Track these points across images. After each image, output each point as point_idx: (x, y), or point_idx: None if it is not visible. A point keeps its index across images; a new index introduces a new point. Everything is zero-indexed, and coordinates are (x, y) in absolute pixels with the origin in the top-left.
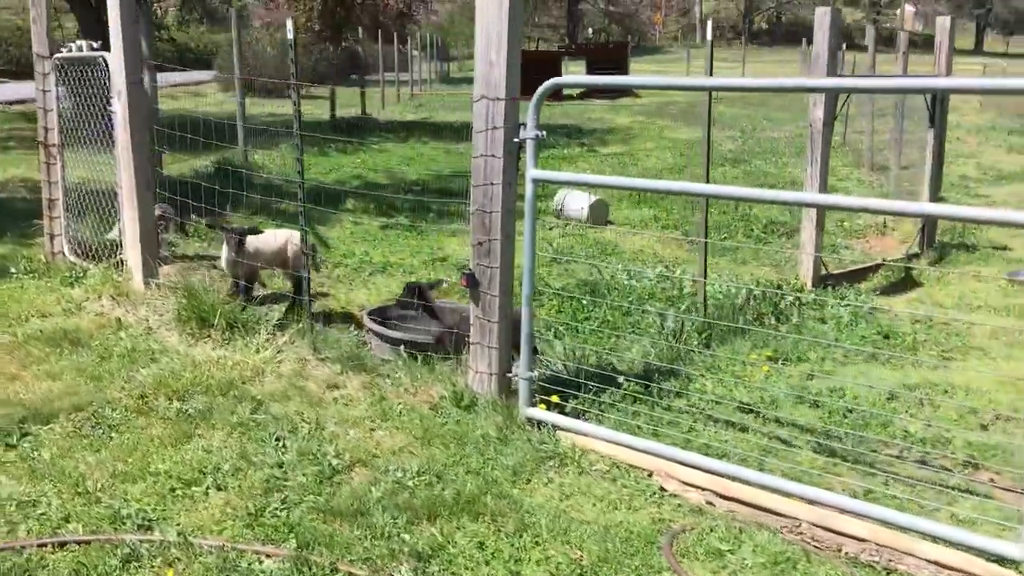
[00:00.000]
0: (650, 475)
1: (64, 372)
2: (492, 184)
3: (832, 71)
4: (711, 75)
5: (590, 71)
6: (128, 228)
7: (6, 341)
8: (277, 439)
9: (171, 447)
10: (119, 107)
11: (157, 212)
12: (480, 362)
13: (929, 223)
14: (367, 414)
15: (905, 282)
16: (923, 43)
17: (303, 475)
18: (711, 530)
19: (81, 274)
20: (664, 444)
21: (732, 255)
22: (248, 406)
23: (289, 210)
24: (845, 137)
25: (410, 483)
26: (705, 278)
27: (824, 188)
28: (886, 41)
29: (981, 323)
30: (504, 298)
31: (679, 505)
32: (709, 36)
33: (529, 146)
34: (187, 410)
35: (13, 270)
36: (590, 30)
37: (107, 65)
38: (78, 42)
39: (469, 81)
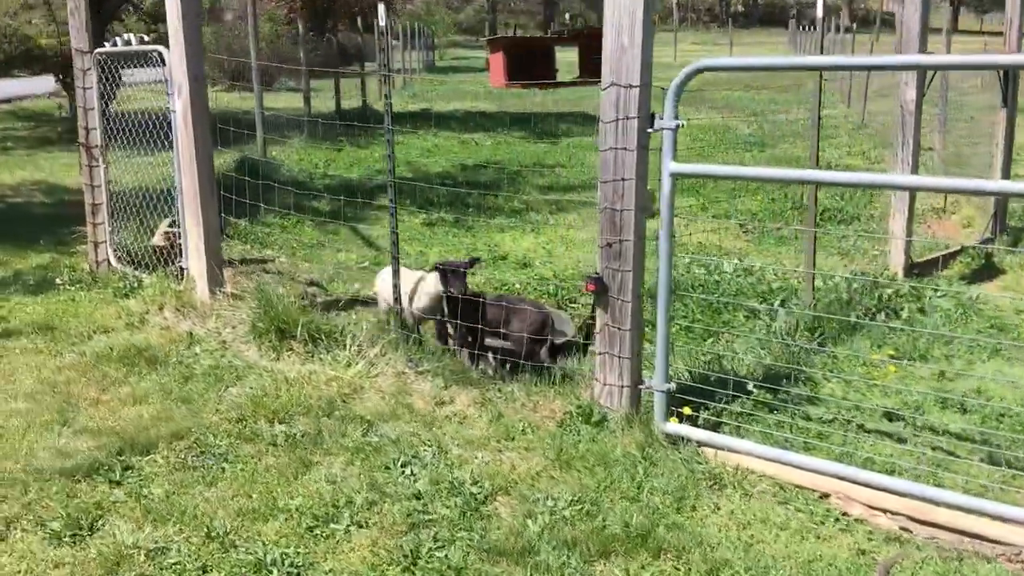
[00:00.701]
0: (824, 497)
1: (149, 395)
2: (624, 180)
3: (922, 48)
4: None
5: (583, 59)
6: (192, 234)
7: (76, 361)
8: (403, 465)
9: (292, 478)
10: (179, 104)
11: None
12: (609, 374)
13: (1001, 207)
14: (488, 434)
15: (989, 269)
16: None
17: (445, 507)
18: (923, 562)
19: (135, 284)
20: (836, 463)
21: (792, 244)
22: (358, 428)
23: (323, 208)
24: (864, 119)
25: (566, 513)
26: (814, 269)
27: (915, 171)
28: (862, 22)
29: None
30: (636, 304)
31: (871, 532)
32: (675, 20)
33: (667, 137)
34: (294, 434)
35: (59, 281)
36: (567, 15)
37: (163, 60)
38: (125, 36)
39: (455, 70)
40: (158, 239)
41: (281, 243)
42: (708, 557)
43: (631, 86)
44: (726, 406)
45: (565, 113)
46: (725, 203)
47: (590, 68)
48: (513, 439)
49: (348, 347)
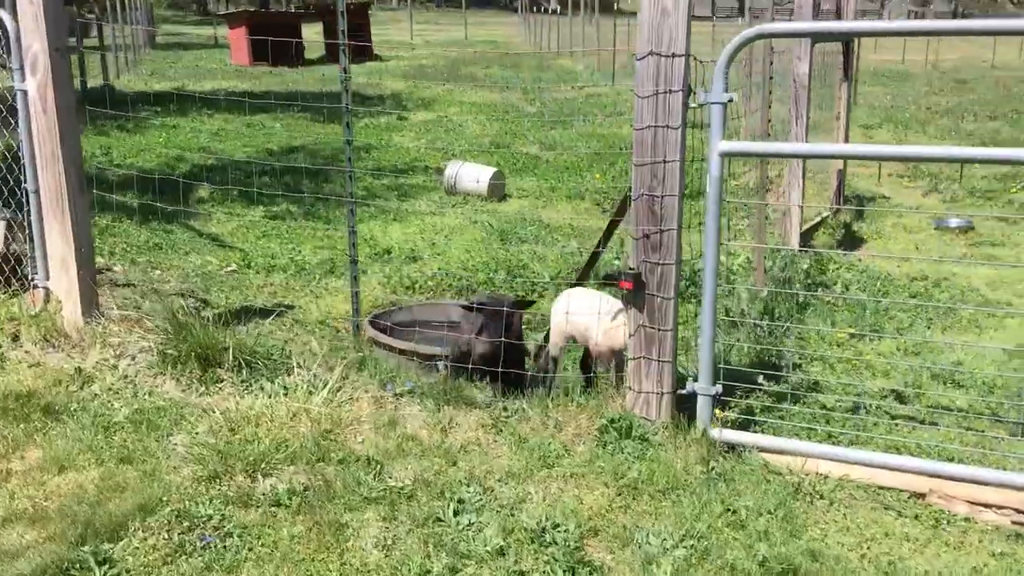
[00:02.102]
0: (920, 497)
1: (72, 457)
2: (666, 162)
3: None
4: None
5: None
6: (55, 244)
7: None
8: (455, 514)
9: (332, 550)
10: (33, 84)
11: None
12: (646, 380)
13: (841, 179)
14: (521, 463)
15: (851, 238)
16: None
17: (544, 563)
18: None
19: None
20: (925, 460)
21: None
22: (368, 472)
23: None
24: None
25: (680, 554)
26: (766, 244)
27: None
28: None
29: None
30: (677, 301)
31: (989, 532)
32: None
33: (716, 112)
34: (295, 490)
35: None
36: None
37: (3, 27)
38: None
39: (182, 46)
40: None
41: (108, 248)
42: None
43: (674, 55)
44: (743, 401)
45: (338, 92)
46: (566, 181)
47: (334, 47)
48: (552, 466)
49: (296, 373)
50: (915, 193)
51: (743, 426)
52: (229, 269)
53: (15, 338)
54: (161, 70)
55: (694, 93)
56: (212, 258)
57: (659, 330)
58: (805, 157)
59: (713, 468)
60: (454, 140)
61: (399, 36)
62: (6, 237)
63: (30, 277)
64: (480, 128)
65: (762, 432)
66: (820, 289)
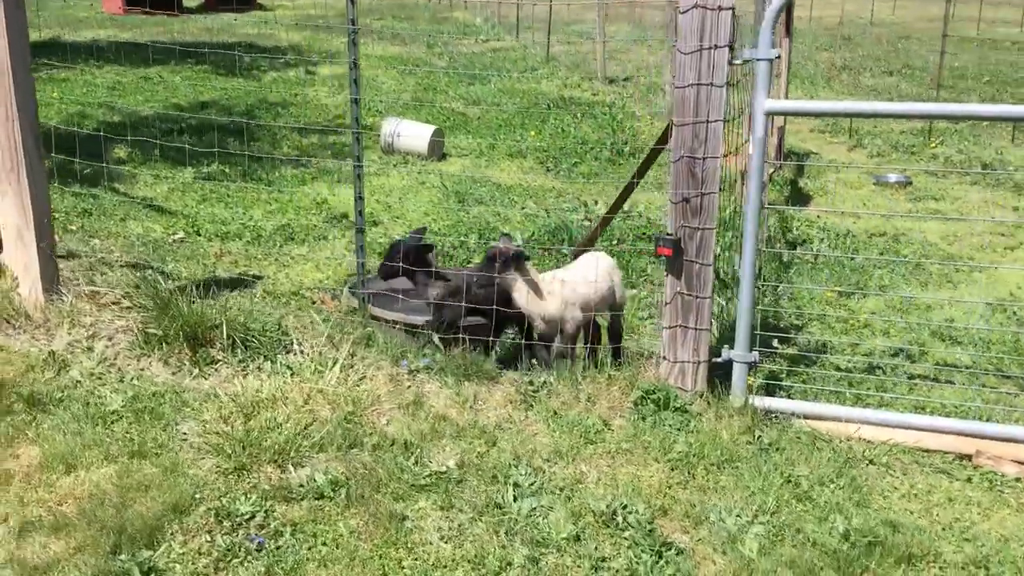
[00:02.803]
0: (967, 459)
1: (76, 453)
2: (708, 122)
3: None
4: None
5: None
6: (10, 214)
7: None
8: (514, 499)
9: (397, 545)
10: None
11: None
12: (681, 349)
13: (781, 134)
14: (562, 440)
15: (800, 195)
16: None
17: (627, 548)
18: None
19: None
20: (969, 421)
21: (607, 180)
22: (407, 457)
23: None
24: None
25: (760, 531)
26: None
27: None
28: None
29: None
30: (714, 267)
31: None
32: None
33: (762, 70)
34: (337, 480)
35: None
36: None
37: None
38: None
39: None
40: None
41: None
42: (951, 554)
43: (721, 8)
44: (764, 366)
45: (232, 43)
46: (502, 139)
47: None
48: (595, 443)
49: (296, 350)
50: (841, 148)
51: (769, 392)
52: (177, 237)
53: None
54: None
55: (733, 49)
56: (154, 225)
57: (697, 297)
58: (858, 116)
59: (760, 438)
60: (372, 96)
61: None
62: None
63: None
64: (395, 83)
65: (789, 397)
66: (796, 248)
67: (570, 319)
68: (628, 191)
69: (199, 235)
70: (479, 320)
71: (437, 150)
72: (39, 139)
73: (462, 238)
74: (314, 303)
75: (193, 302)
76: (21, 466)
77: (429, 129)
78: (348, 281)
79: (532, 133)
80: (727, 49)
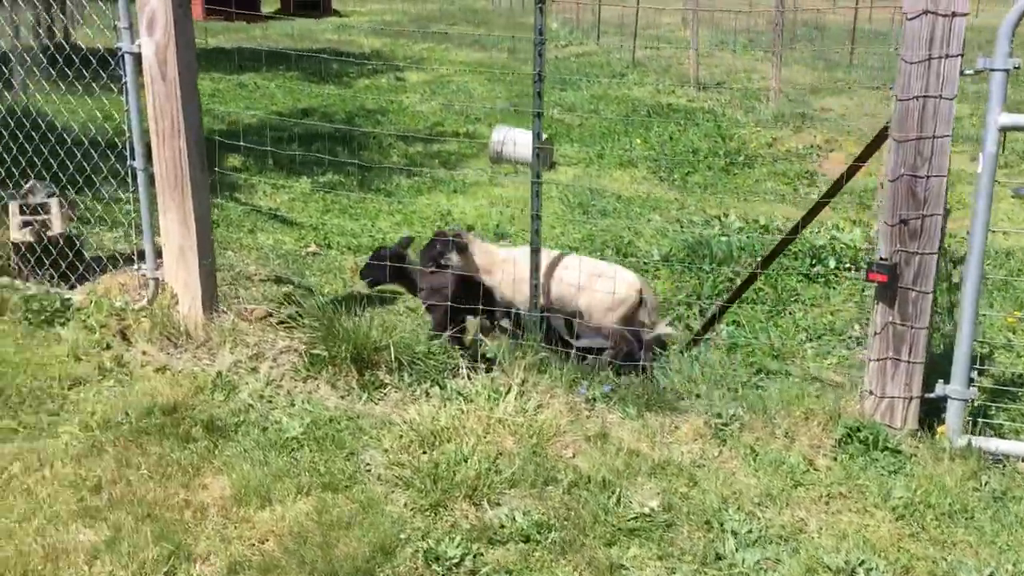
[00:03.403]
0: None
1: (266, 485)
2: (935, 138)
3: None
4: None
5: None
6: (172, 230)
7: (88, 443)
8: (736, 548)
9: None
10: (150, 46)
11: (42, 195)
12: (891, 384)
13: None
14: (770, 483)
15: None
16: None
17: None
18: None
19: (48, 305)
20: None
21: (716, 188)
22: (606, 497)
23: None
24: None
25: None
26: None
27: None
28: None
29: None
30: (933, 296)
31: None
32: None
33: (998, 81)
34: (541, 521)
35: None
36: None
37: None
38: None
39: None
40: (18, 232)
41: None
42: None
43: (954, 14)
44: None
45: (317, 49)
46: (608, 148)
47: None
48: (803, 484)
49: (465, 374)
50: (963, 158)
51: (975, 431)
52: (310, 250)
53: (125, 337)
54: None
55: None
56: (284, 237)
57: (912, 328)
58: None
59: (987, 484)
60: (466, 103)
61: None
62: (35, 223)
63: (138, 267)
64: (486, 90)
65: (1000, 436)
66: (955, 266)
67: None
68: (817, 209)
69: (330, 248)
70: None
71: (547, 159)
72: (204, 156)
73: (598, 253)
74: None
75: (357, 322)
76: (213, 498)
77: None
78: None
79: (638, 141)
80: (958, 59)
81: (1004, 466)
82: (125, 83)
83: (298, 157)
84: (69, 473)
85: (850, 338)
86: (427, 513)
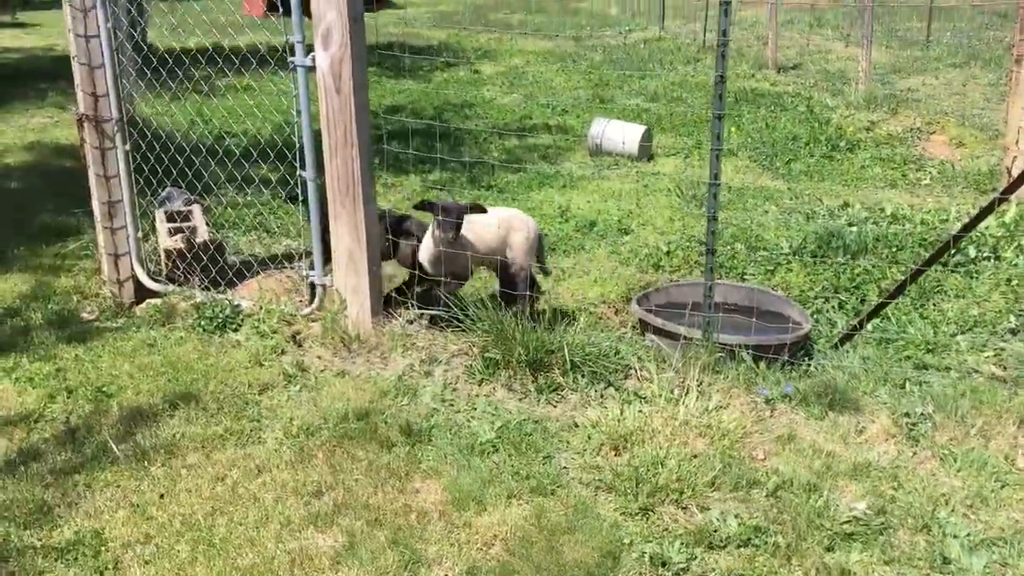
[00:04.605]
0: None
1: (477, 489)
2: None
3: None
4: None
5: None
6: (343, 237)
7: (296, 449)
8: (963, 553)
9: None
10: (325, 59)
11: (179, 202)
12: None
13: None
14: (971, 483)
15: None
16: None
17: None
18: None
19: (216, 311)
20: None
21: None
22: (813, 501)
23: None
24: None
25: None
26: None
27: None
28: None
29: None
30: None
31: None
32: None
33: None
34: (758, 526)
35: (86, 316)
36: None
37: None
38: None
39: None
40: (170, 239)
41: (268, 226)
42: None
43: None
44: None
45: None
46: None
47: None
48: (1010, 485)
49: (638, 376)
50: None
51: None
52: None
53: (297, 342)
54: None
55: None
56: None
57: None
58: None
59: None
60: (548, 94)
61: None
62: (187, 231)
63: (305, 275)
64: (563, 79)
65: None
66: None
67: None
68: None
69: None
70: None
71: (645, 151)
72: (373, 164)
73: (728, 247)
74: (600, 318)
75: (529, 326)
76: (432, 503)
77: (639, 130)
78: (636, 295)
79: (733, 129)
80: None
81: None
82: (296, 95)
83: (404, 156)
84: (288, 479)
85: (1007, 330)
86: (638, 517)
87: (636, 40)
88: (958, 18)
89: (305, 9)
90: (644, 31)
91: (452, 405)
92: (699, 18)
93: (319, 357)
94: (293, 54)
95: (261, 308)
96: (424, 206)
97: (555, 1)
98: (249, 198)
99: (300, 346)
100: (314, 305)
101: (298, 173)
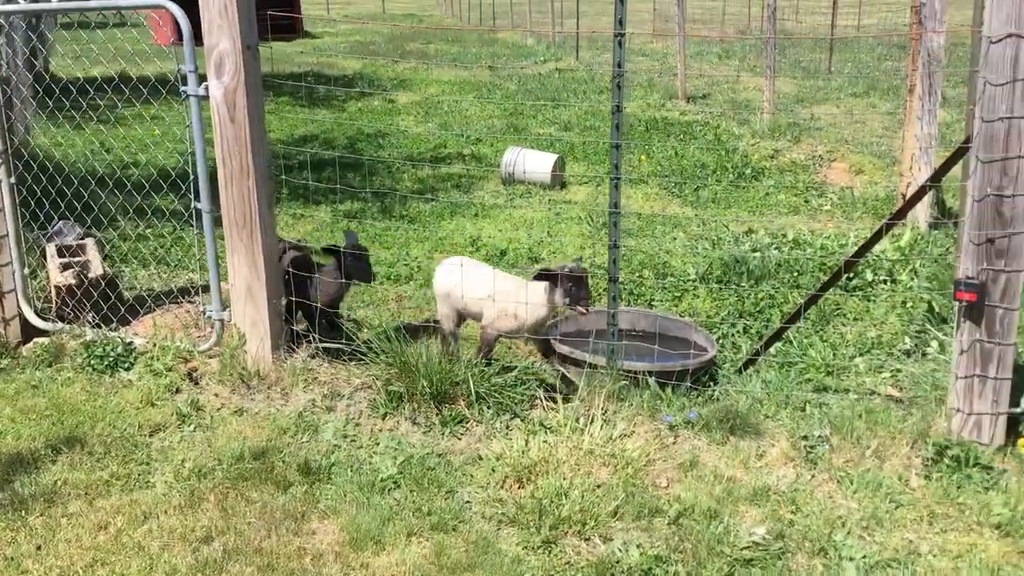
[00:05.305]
0: None
1: (375, 527)
2: (1020, 158)
3: None
4: None
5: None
6: (240, 271)
7: (187, 493)
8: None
9: None
10: (218, 89)
11: (71, 236)
12: (979, 400)
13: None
14: (867, 504)
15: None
16: None
17: None
18: None
19: (106, 350)
20: None
21: (724, 202)
22: (713, 527)
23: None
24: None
25: None
26: None
27: None
28: None
29: None
30: (1020, 312)
31: None
32: None
33: None
34: (660, 555)
35: None
36: None
37: (176, 23)
38: None
39: (82, 24)
40: (60, 275)
41: (167, 259)
42: None
43: None
44: None
45: (299, 73)
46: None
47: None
48: (903, 505)
49: (544, 405)
50: None
51: None
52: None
53: (193, 379)
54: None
55: None
56: None
57: (999, 344)
58: None
59: None
60: (463, 123)
61: (313, 10)
62: (75, 265)
63: (203, 310)
64: (478, 109)
65: None
66: None
67: None
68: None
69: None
70: None
71: (558, 179)
72: (272, 194)
73: (636, 274)
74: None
75: (431, 355)
76: (328, 544)
77: (551, 158)
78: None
79: (642, 157)
80: None
81: None
82: (189, 126)
83: (322, 186)
84: (176, 524)
85: (902, 352)
86: (540, 551)
87: (551, 70)
88: (858, 49)
89: (199, 38)
90: (559, 61)
91: (354, 441)
92: (612, 49)
93: (216, 395)
94: (186, 83)
95: (156, 345)
96: (543, 276)
97: (472, 31)
98: (149, 230)
99: (197, 384)
100: (212, 341)
101: (193, 204)
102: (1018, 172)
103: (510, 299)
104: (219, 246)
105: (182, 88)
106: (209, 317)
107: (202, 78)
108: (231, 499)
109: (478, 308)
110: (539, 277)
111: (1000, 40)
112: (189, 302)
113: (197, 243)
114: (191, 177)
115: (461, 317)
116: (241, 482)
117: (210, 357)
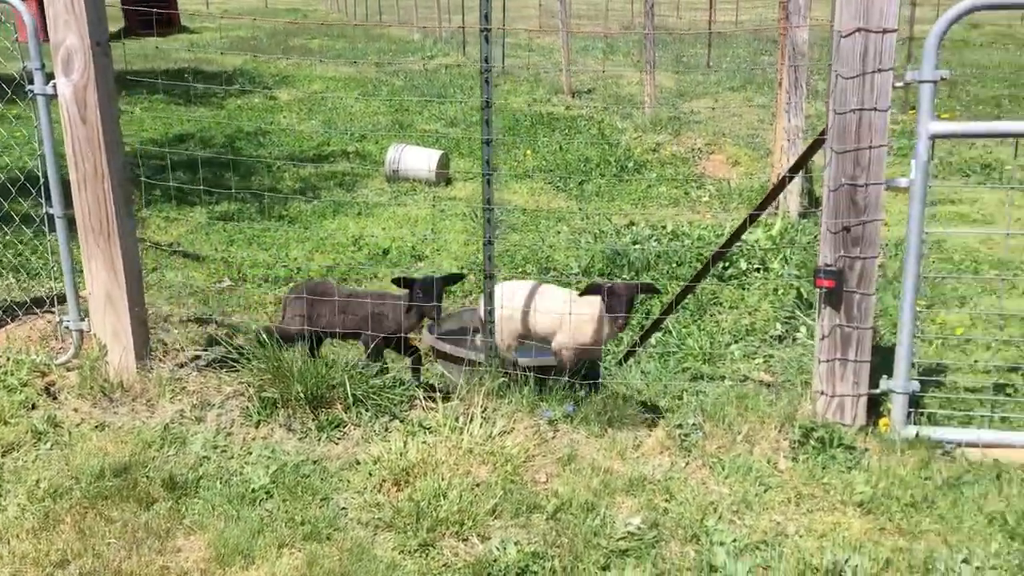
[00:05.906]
0: None
1: (245, 541)
2: (871, 148)
3: None
4: None
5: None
6: (99, 279)
7: (41, 516)
8: (730, 557)
9: None
10: (67, 87)
11: None
12: (841, 383)
13: None
14: (738, 489)
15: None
16: None
17: None
18: None
19: None
20: None
21: (617, 194)
22: (591, 520)
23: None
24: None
25: None
26: None
27: None
28: None
29: None
30: (875, 297)
31: None
32: None
33: (926, 92)
34: (537, 552)
35: None
36: None
37: (19, 17)
38: None
39: None
40: None
41: (25, 268)
42: None
43: (885, 31)
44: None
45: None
46: (501, 161)
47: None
48: (772, 488)
49: (423, 405)
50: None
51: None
52: (225, 284)
53: (51, 394)
54: None
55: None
56: (193, 272)
57: (858, 328)
58: None
59: (938, 472)
60: (348, 120)
61: (191, 5)
62: None
63: (59, 320)
64: (363, 106)
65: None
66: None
67: None
68: (749, 222)
69: (245, 281)
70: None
71: (443, 176)
72: (130, 197)
73: (519, 270)
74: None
75: (307, 361)
76: (194, 561)
77: (435, 155)
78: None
79: (527, 152)
80: (890, 73)
81: (948, 454)
82: (38, 127)
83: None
84: (29, 549)
85: (774, 338)
86: (417, 554)
87: (438, 66)
88: (736, 44)
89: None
90: (446, 57)
91: (225, 451)
92: (499, 44)
93: (75, 410)
94: (32, 82)
95: (9, 359)
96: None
97: (358, 27)
98: (8, 237)
99: (55, 399)
100: (71, 353)
101: (44, 209)
102: (869, 162)
103: (582, 315)
104: (78, 252)
105: (28, 87)
106: (67, 328)
107: (51, 76)
108: (89, 519)
109: (550, 329)
110: (588, 291)
111: (849, 34)
112: (48, 312)
113: (50, 250)
114: (41, 180)
115: (523, 338)
116: (101, 501)
117: (69, 370)
